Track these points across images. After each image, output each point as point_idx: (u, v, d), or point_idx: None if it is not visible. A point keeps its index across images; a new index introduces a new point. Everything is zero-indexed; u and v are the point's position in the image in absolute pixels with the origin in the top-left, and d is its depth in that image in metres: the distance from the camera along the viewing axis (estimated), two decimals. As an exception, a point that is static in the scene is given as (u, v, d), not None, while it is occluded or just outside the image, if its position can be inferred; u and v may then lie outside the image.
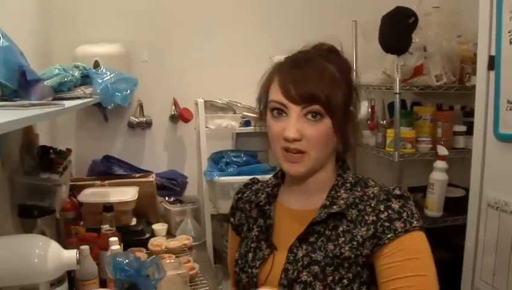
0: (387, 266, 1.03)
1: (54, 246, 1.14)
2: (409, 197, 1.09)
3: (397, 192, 1.08)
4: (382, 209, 1.06)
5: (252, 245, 1.21)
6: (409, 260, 1.01)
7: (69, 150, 2.42)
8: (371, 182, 1.17)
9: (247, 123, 2.72)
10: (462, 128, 2.68)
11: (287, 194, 1.24)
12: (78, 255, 1.15)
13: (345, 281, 1.06)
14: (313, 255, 1.09)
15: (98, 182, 2.58)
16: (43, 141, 2.25)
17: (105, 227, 1.97)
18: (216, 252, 2.84)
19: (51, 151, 2.19)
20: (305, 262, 1.09)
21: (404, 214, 1.04)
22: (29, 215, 1.82)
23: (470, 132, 2.61)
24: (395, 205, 1.05)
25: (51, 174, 2.00)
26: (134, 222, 2.43)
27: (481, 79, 1.87)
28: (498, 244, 1.67)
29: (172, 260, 1.68)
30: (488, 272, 1.72)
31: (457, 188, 2.87)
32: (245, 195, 1.35)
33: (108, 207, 1.98)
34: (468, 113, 2.80)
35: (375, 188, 1.12)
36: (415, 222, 1.04)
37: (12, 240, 1.20)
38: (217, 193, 2.58)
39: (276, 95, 1.11)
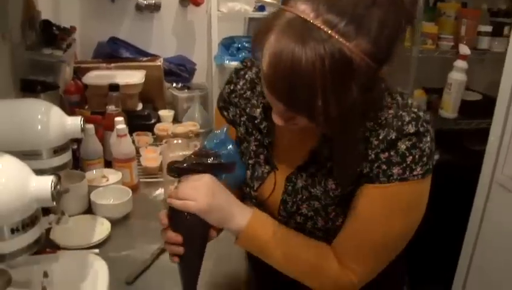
0: (362, 203, 0.94)
1: (57, 112, 1.07)
2: (426, 131, 0.89)
3: (411, 129, 0.88)
4: (384, 148, 0.89)
5: (250, 161, 1.09)
6: (385, 213, 0.92)
7: (73, 28, 2.30)
8: (388, 99, 0.93)
9: (261, 8, 2.56)
10: (488, 28, 2.53)
11: None
12: (82, 122, 1.09)
13: (347, 210, 0.98)
14: (312, 190, 1.00)
15: (104, 65, 2.50)
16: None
17: (111, 108, 1.92)
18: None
19: (54, 28, 2.09)
20: (304, 196, 1.01)
21: (409, 158, 0.88)
22: (32, 90, 1.76)
23: (495, 33, 2.49)
24: (402, 146, 0.88)
25: (54, 50, 1.91)
26: (140, 107, 2.38)
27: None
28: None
29: (179, 141, 1.63)
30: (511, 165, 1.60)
31: (473, 92, 2.80)
32: (238, 87, 1.13)
33: (114, 86, 1.91)
34: (495, 14, 2.65)
35: (391, 112, 0.91)
36: (419, 169, 0.89)
37: (14, 103, 1.13)
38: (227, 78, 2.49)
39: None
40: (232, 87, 1.14)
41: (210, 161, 0.98)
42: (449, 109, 2.50)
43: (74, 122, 1.08)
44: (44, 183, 0.79)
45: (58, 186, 0.81)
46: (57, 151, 1.06)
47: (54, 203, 0.79)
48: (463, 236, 1.78)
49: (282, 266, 1.01)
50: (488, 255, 1.29)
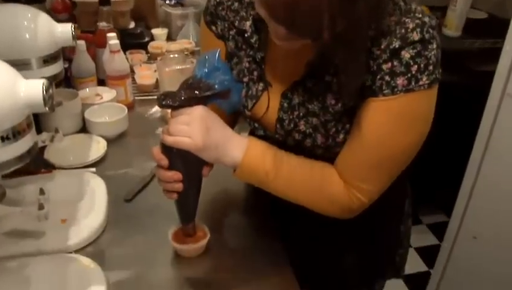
0: (366, 118, 0.88)
1: (46, 19, 0.99)
2: (432, 38, 0.82)
3: (416, 37, 0.81)
4: (387, 58, 0.83)
5: (244, 79, 1.02)
6: (391, 127, 0.87)
7: None
8: (391, 4, 0.85)
9: None
10: None
11: None
12: (73, 29, 1.01)
13: (348, 125, 0.93)
14: (310, 106, 0.94)
15: (92, -19, 2.36)
16: None
17: (102, 24, 1.84)
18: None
19: None
20: (301, 113, 0.95)
21: (414, 68, 0.82)
22: (15, 2, 1.65)
23: None
24: (406, 55, 0.82)
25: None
26: (132, 25, 2.28)
27: None
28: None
29: (176, 55, 1.55)
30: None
31: (478, 10, 2.70)
32: None
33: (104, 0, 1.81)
34: None
35: (393, 19, 0.83)
36: (425, 78, 0.82)
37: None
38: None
39: None
40: (218, 0, 1.04)
41: (203, 93, 0.90)
42: (453, 26, 2.42)
43: (65, 29, 1.00)
44: (35, 87, 0.72)
45: (51, 91, 0.75)
46: (47, 60, 0.99)
47: (47, 108, 0.72)
48: (466, 156, 1.75)
49: (284, 195, 0.97)
50: (496, 168, 1.26)
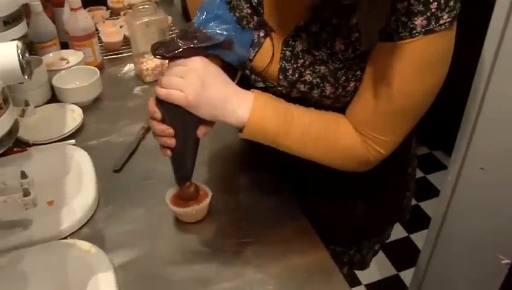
0: (381, 64, 0.79)
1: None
2: None
3: None
4: None
5: (243, 23, 0.91)
6: (409, 74, 0.78)
7: None
8: None
9: None
10: None
11: None
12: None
13: (359, 72, 0.83)
14: (317, 53, 0.83)
15: None
16: None
17: (56, -18, 1.66)
18: (185, 10, 2.57)
19: None
20: (307, 61, 0.85)
21: (434, 5, 0.72)
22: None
23: None
24: None
25: None
26: (84, -21, 2.08)
27: None
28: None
29: (146, 6, 1.40)
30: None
31: None
32: None
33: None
34: None
35: None
36: (445, 16, 0.72)
37: None
38: None
39: None
40: None
41: (200, 44, 0.79)
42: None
43: (26, -16, 0.85)
44: (9, 51, 0.58)
45: (27, 55, 0.61)
46: (9, 22, 0.83)
47: (26, 76, 0.59)
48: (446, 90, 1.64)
49: (298, 152, 0.88)
50: (503, 95, 1.18)
